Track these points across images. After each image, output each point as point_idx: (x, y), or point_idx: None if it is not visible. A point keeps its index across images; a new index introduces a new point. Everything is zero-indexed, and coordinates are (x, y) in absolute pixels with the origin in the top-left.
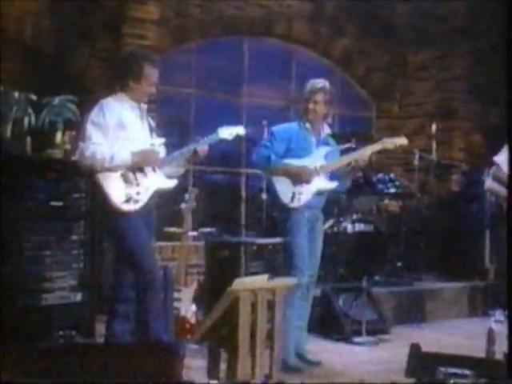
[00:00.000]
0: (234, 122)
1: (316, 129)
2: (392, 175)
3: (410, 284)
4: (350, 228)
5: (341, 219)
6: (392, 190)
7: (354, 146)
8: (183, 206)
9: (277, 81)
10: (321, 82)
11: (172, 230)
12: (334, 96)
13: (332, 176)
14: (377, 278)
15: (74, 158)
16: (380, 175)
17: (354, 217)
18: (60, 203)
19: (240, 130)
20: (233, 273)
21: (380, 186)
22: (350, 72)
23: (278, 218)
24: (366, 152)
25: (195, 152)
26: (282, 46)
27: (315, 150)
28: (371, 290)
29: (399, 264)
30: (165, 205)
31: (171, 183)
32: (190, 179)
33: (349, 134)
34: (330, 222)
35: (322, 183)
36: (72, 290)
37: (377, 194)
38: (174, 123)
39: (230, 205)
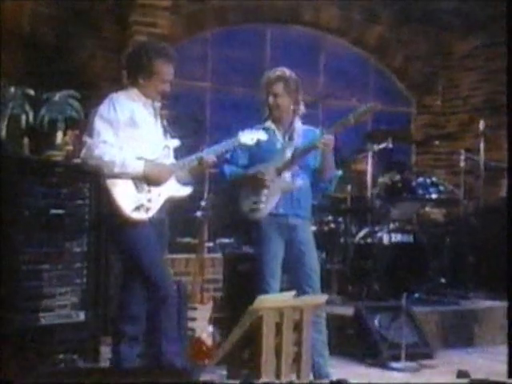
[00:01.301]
0: (256, 120)
1: (283, 126)
2: (434, 179)
3: (455, 303)
4: (386, 239)
5: (376, 229)
6: (434, 196)
7: (390, 146)
8: (198, 214)
9: (304, 74)
10: (278, 70)
11: (186, 240)
12: (299, 83)
13: (304, 170)
14: (417, 295)
15: (76, 161)
16: (421, 179)
17: (391, 226)
18: (61, 211)
19: (262, 135)
20: (255, 289)
21: (421, 191)
22: (386, 63)
23: (248, 231)
24: (331, 130)
25: (200, 163)
26: (309, 34)
27: (280, 147)
28: (411, 310)
29: (443, 280)
30: (178, 213)
31: (185, 190)
32: (205, 184)
33: (384, 132)
34: (364, 231)
35: (283, 183)
36: (74, 308)
37: (417, 200)
38: (187, 122)
39: None
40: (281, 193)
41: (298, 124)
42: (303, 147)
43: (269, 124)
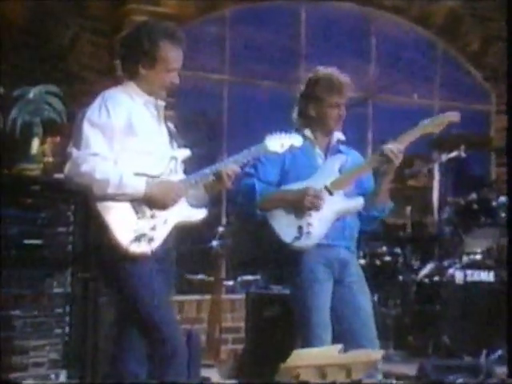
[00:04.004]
0: (287, 122)
1: (322, 137)
2: None
3: None
4: (459, 276)
5: (445, 263)
6: None
7: (463, 155)
8: (214, 243)
9: (349, 61)
10: (343, 75)
11: (199, 278)
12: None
13: (358, 191)
14: (501, 352)
15: (58, 176)
16: (502, 198)
17: (465, 260)
18: (38, 241)
19: (296, 140)
20: (287, 340)
21: (503, 215)
22: (459, 46)
23: (282, 265)
24: (399, 144)
25: (217, 178)
26: (355, 12)
27: (323, 163)
28: (494, 370)
29: None
30: (189, 243)
31: (198, 214)
32: (223, 207)
33: (455, 137)
34: (429, 267)
35: (339, 203)
36: (53, 366)
37: (499, 227)
38: (199, 125)
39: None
40: (335, 217)
41: (339, 135)
42: (365, 162)
43: (308, 133)
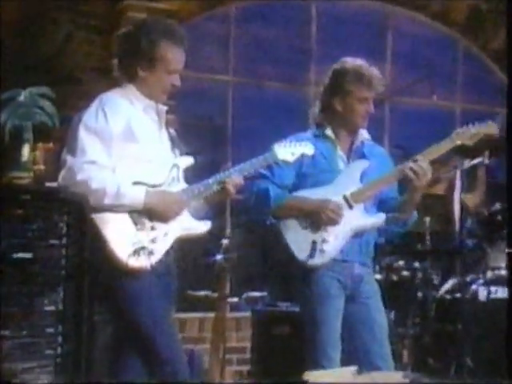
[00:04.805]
0: (297, 127)
1: (345, 137)
2: None
3: None
4: (482, 293)
5: (467, 279)
6: None
7: (486, 162)
8: (218, 257)
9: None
10: (372, 68)
11: (202, 294)
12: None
13: (378, 206)
14: None
15: (50, 185)
16: None
17: (489, 275)
18: (28, 255)
19: (308, 148)
20: (297, 362)
21: None
22: (481, 44)
23: (291, 281)
24: (428, 156)
25: (222, 188)
26: (371, 7)
27: (345, 168)
28: None
29: None
30: (191, 257)
31: (202, 226)
32: (227, 217)
33: (478, 143)
34: (450, 282)
35: (358, 220)
36: None
37: None
38: (203, 131)
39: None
40: (353, 234)
41: (365, 135)
42: (387, 173)
43: (329, 132)
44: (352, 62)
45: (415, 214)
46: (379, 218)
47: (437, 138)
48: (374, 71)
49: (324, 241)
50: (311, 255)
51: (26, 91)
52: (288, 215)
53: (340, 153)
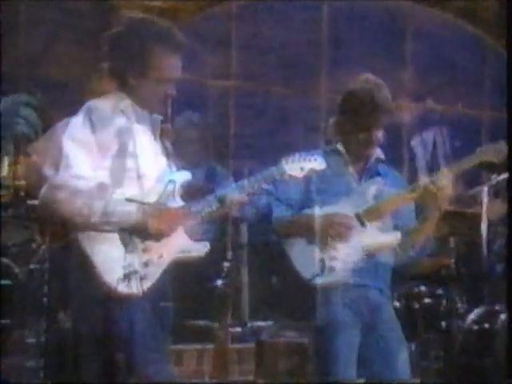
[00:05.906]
0: (306, 137)
1: (359, 154)
2: None
3: None
4: None
5: (496, 307)
6: None
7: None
8: (219, 283)
9: (380, 65)
10: (383, 89)
11: (201, 323)
12: None
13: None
14: None
15: (31, 203)
16: None
17: None
18: (6, 281)
19: (318, 164)
20: None
21: None
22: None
23: (299, 308)
24: (447, 173)
25: (222, 205)
26: (388, 5)
27: (357, 186)
28: None
29: None
30: (189, 282)
31: (200, 248)
32: (228, 237)
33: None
34: (478, 311)
35: (371, 237)
36: None
37: None
38: (201, 142)
39: None
40: (365, 252)
41: (379, 154)
42: (403, 188)
43: (341, 147)
44: (364, 84)
45: (432, 243)
46: (395, 237)
47: (462, 147)
48: (386, 96)
49: (333, 258)
50: (319, 273)
51: (6, 99)
52: (293, 234)
53: (351, 171)
